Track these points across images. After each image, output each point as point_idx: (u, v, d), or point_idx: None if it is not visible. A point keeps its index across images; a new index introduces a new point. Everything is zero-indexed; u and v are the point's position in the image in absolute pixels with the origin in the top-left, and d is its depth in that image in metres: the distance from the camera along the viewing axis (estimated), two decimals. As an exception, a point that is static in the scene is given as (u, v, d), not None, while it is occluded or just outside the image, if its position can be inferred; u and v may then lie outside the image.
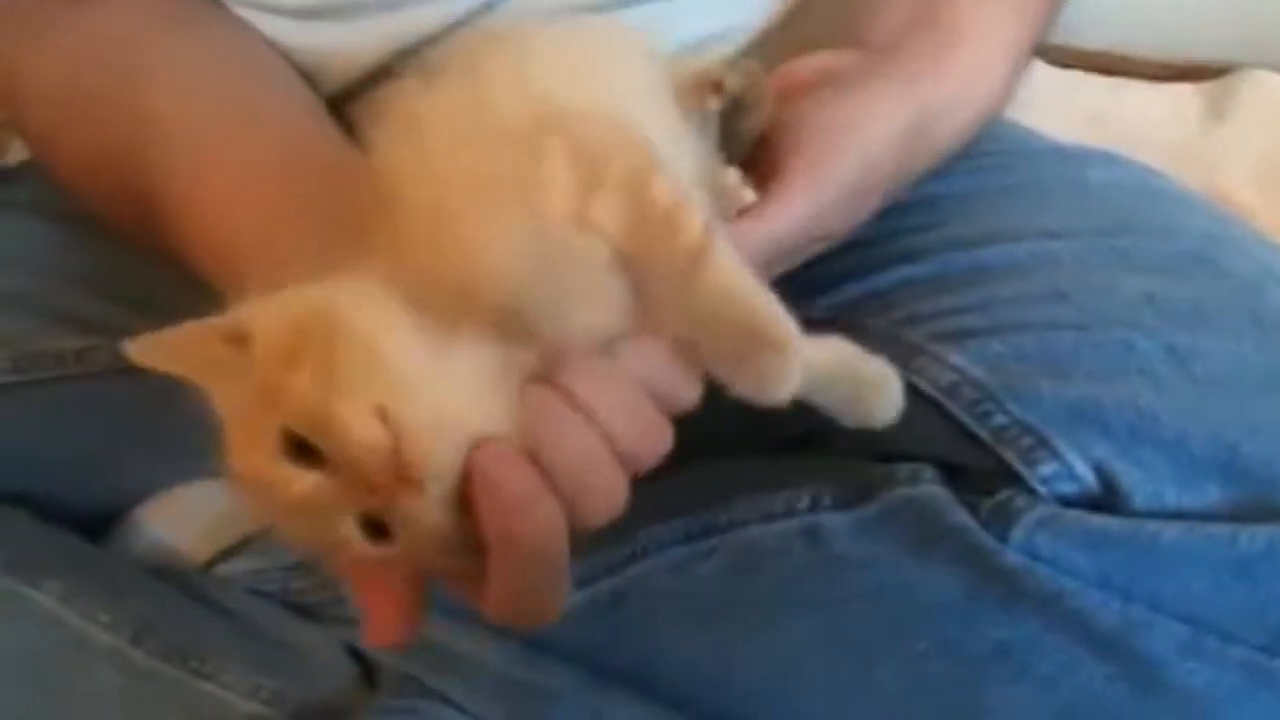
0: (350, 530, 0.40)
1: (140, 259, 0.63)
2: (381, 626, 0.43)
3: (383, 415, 0.39)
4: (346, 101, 0.67)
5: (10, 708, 0.61)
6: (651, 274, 0.42)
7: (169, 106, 0.57)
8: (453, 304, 0.41)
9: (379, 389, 0.39)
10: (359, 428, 0.38)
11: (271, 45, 0.65)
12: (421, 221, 0.43)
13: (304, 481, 0.40)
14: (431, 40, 0.64)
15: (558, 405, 0.42)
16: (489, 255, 0.42)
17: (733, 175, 0.50)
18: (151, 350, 0.44)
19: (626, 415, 0.43)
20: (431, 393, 0.40)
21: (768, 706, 0.56)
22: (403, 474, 0.39)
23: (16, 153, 0.75)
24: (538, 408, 0.42)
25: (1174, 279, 0.52)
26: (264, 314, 0.42)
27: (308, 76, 0.67)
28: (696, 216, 0.42)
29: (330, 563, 0.45)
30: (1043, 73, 0.84)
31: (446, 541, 0.41)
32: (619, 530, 0.57)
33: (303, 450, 0.40)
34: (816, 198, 0.50)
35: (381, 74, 0.66)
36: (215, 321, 0.43)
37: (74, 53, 0.60)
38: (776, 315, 0.42)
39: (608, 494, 0.43)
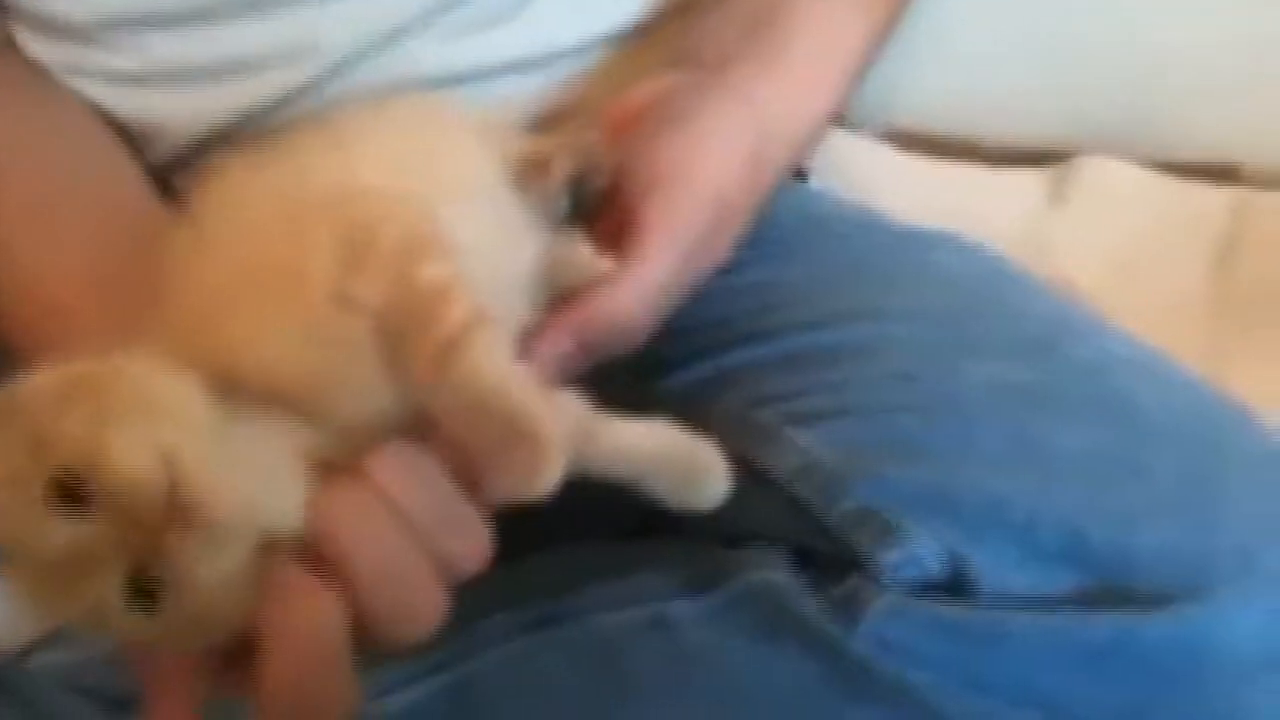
0: (112, 593, 0.38)
1: None
2: None
3: (160, 454, 0.38)
4: (179, 168, 0.65)
5: None
6: (412, 356, 0.42)
7: None
8: (230, 388, 0.40)
9: (158, 428, 0.38)
10: (132, 458, 0.37)
11: (102, 111, 0.64)
12: (197, 307, 0.42)
13: (67, 531, 0.38)
14: (266, 110, 0.63)
15: (356, 498, 0.41)
16: (255, 343, 0.41)
17: (585, 250, 0.50)
18: None
19: (435, 509, 0.42)
20: (215, 449, 0.39)
21: None
22: (176, 513, 0.37)
23: None
24: (335, 500, 0.41)
25: (1019, 364, 0.53)
26: (34, 378, 0.40)
27: (139, 142, 0.65)
28: (463, 301, 0.41)
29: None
30: (886, 155, 0.85)
31: (213, 618, 0.40)
32: (456, 620, 0.55)
33: (70, 501, 0.38)
34: (677, 245, 0.51)
35: (216, 140, 0.64)
36: None
37: None
38: (535, 410, 0.42)
39: (418, 603, 0.42)
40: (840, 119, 0.85)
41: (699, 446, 0.48)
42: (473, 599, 0.56)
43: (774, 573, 0.50)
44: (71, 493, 0.38)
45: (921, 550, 0.47)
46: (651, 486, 0.49)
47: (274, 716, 0.40)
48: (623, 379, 0.59)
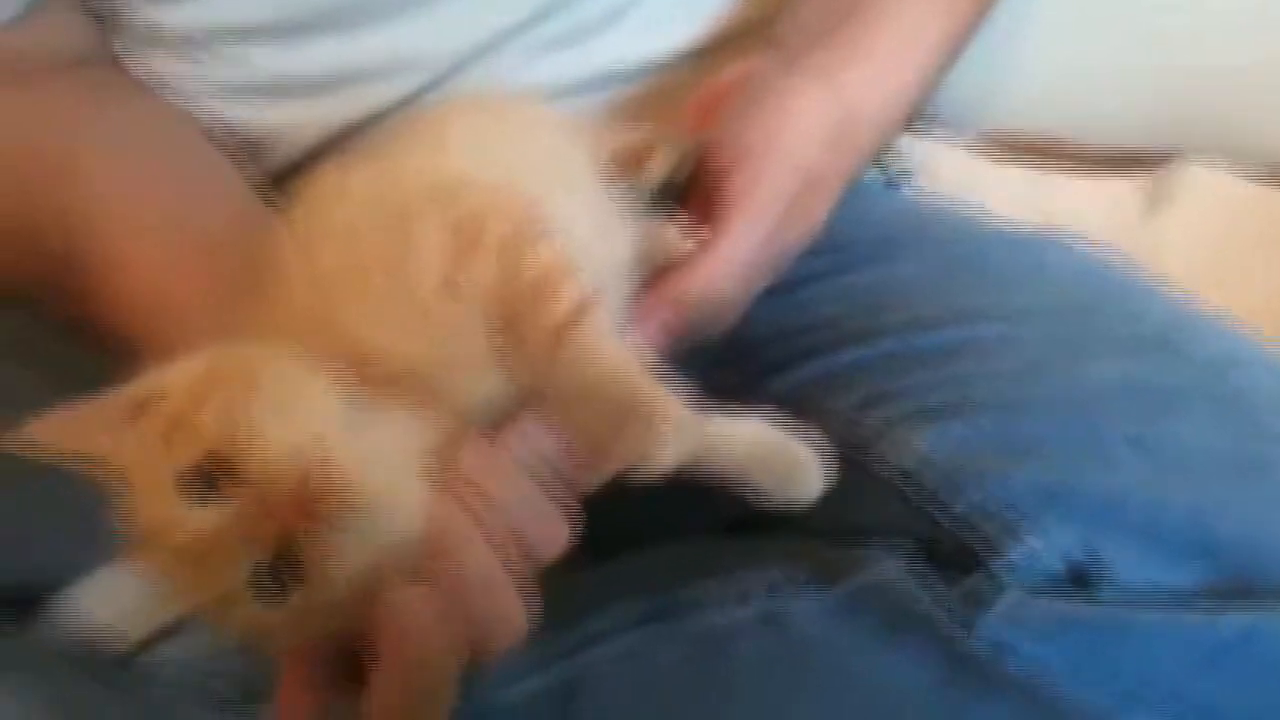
0: (241, 582, 0.39)
1: (59, 328, 0.62)
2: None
3: (299, 444, 0.39)
4: (290, 177, 0.66)
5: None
6: (524, 341, 0.42)
7: (100, 174, 0.57)
8: (346, 380, 0.41)
9: (294, 424, 0.39)
10: (272, 447, 0.38)
11: (214, 121, 0.65)
12: (309, 301, 0.43)
13: (203, 518, 0.39)
14: (376, 118, 0.64)
15: (456, 521, 0.41)
16: (371, 331, 0.42)
17: (672, 231, 0.51)
18: (54, 430, 0.43)
19: (522, 510, 0.43)
20: (350, 440, 0.40)
21: None
22: (311, 504, 0.38)
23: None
24: (438, 521, 0.41)
25: (1137, 362, 0.52)
26: (171, 371, 0.42)
27: (252, 152, 0.66)
28: (572, 286, 0.42)
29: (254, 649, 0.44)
30: (980, 161, 0.85)
31: (334, 613, 0.40)
32: (571, 614, 0.56)
33: (206, 488, 0.39)
34: (763, 219, 0.51)
35: (326, 149, 0.66)
36: (116, 393, 0.42)
37: (7, 125, 0.60)
38: (648, 389, 0.42)
39: (506, 616, 0.43)
40: (935, 124, 0.86)
41: (795, 442, 0.49)
42: (586, 593, 0.57)
43: (892, 570, 0.50)
44: (209, 480, 0.39)
45: (1043, 548, 0.47)
46: (748, 482, 0.49)
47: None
48: (730, 382, 0.60)
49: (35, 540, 0.65)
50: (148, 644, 0.68)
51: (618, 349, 0.43)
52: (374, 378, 0.42)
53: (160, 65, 0.66)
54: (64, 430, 0.43)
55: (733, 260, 0.50)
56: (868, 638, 0.50)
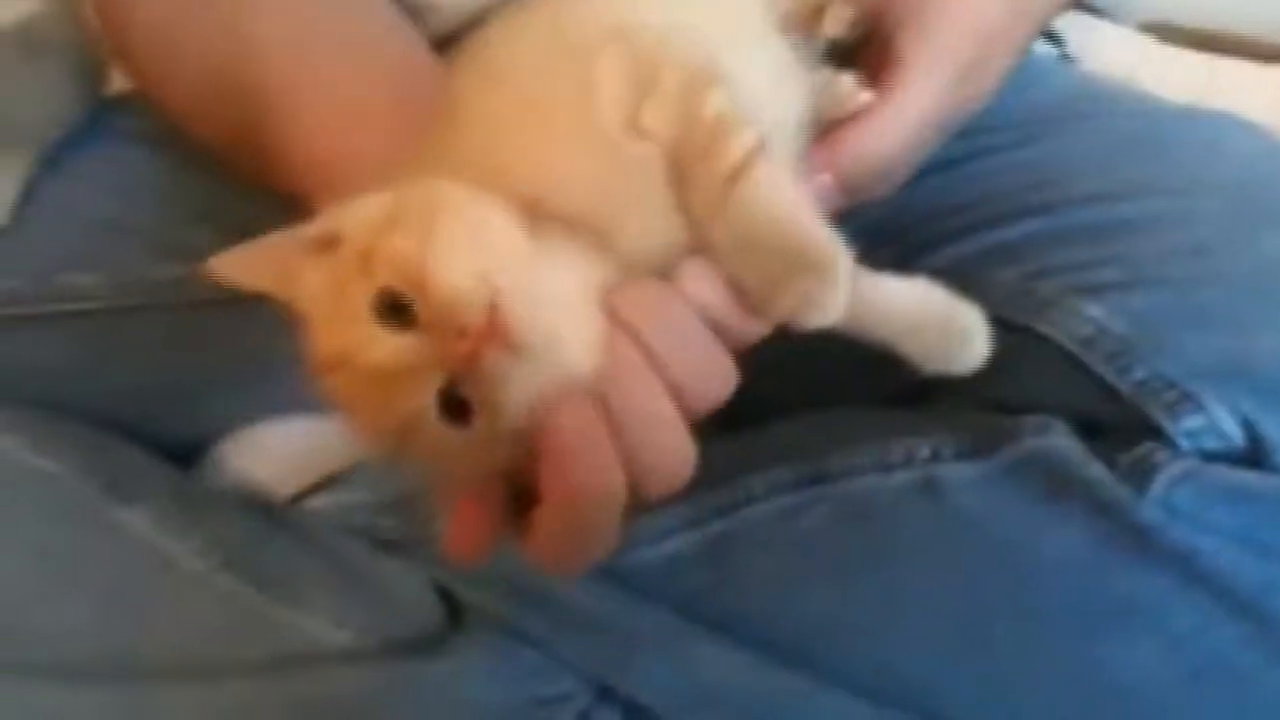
0: (428, 403, 0.39)
1: (245, 189, 0.63)
2: (462, 535, 0.43)
3: (483, 275, 0.39)
4: (451, 44, 0.67)
5: (101, 626, 0.61)
6: (696, 186, 0.42)
7: (273, 29, 0.57)
8: (522, 218, 0.41)
9: (480, 253, 0.39)
10: (457, 277, 0.38)
11: None
12: (485, 139, 0.43)
13: (392, 342, 0.39)
14: None
15: (626, 355, 0.41)
16: (548, 169, 0.42)
17: (846, 81, 0.49)
18: (235, 266, 0.43)
19: (689, 353, 0.42)
20: (533, 270, 0.40)
21: (867, 659, 0.55)
22: (495, 332, 0.38)
23: (118, 83, 0.75)
24: (610, 354, 0.41)
25: None
26: (357, 206, 0.42)
27: (416, 15, 0.67)
28: (745, 133, 0.42)
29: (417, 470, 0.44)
30: (1145, 44, 0.83)
31: (513, 443, 0.40)
32: (727, 474, 0.57)
33: (396, 315, 0.39)
34: (937, 76, 0.49)
35: (488, 16, 0.66)
36: (302, 229, 0.43)
37: None
38: (820, 237, 0.41)
39: (672, 453, 0.42)
40: (1097, 9, 0.83)
41: (960, 306, 0.47)
42: (742, 456, 0.58)
43: (1057, 438, 0.50)
44: (398, 307, 0.39)
45: (1220, 418, 0.47)
46: (908, 346, 0.47)
47: (540, 559, 0.42)
48: (885, 259, 0.60)
49: (215, 394, 0.68)
50: (302, 497, 0.71)
51: (789, 197, 0.42)
52: (546, 219, 0.42)
53: None
54: (248, 264, 0.43)
55: (903, 117, 0.48)
56: (1026, 505, 0.50)
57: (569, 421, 0.40)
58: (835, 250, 0.41)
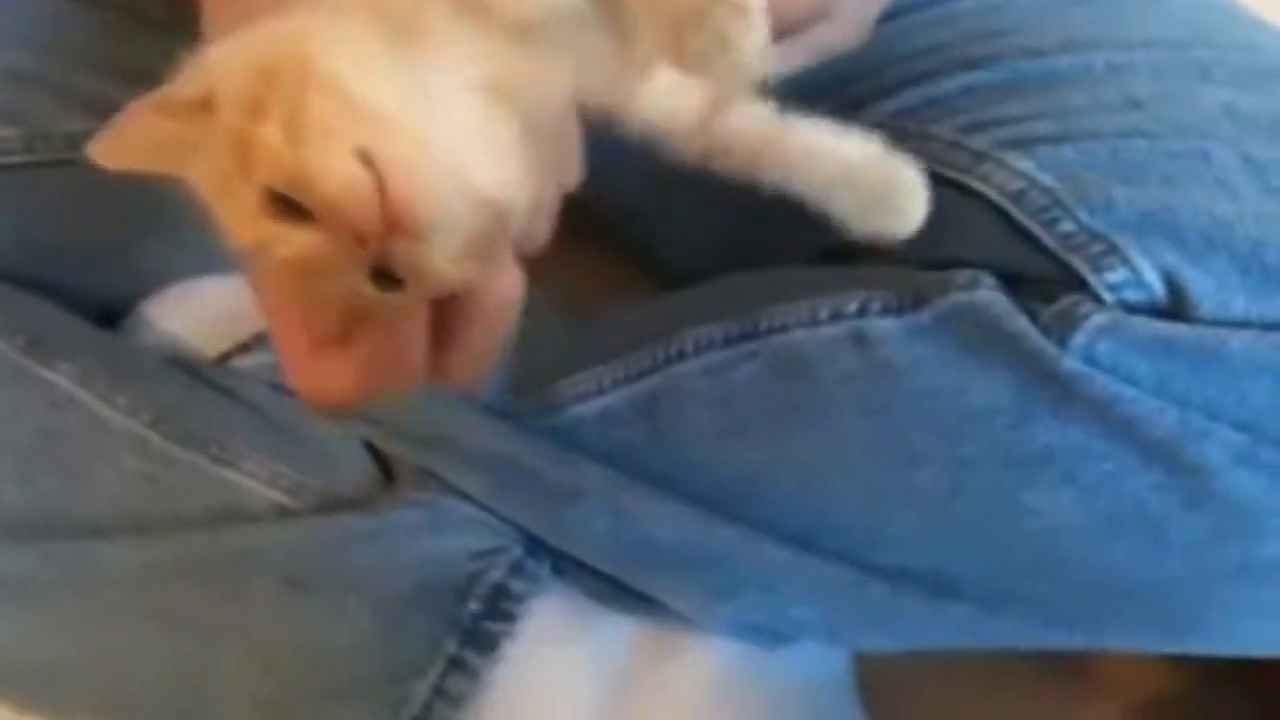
0: (362, 284, 0.37)
1: (141, 31, 0.61)
2: (328, 381, 0.42)
3: (363, 157, 0.36)
4: None
5: (28, 484, 0.61)
6: None
7: None
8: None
9: (356, 129, 0.36)
10: (335, 172, 0.35)
11: None
12: None
13: (296, 241, 0.37)
14: None
15: None
16: None
17: None
18: (114, 150, 0.41)
19: None
20: (418, 129, 0.37)
21: (799, 509, 0.56)
22: (393, 217, 0.36)
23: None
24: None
25: (1252, 92, 0.51)
26: (225, 68, 0.38)
27: None
28: None
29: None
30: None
31: (461, 279, 0.39)
32: (658, 332, 0.57)
33: (288, 211, 0.37)
34: None
35: None
36: (171, 92, 0.39)
37: None
38: None
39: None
40: None
41: (899, 164, 0.46)
42: (672, 313, 0.58)
43: (984, 291, 0.50)
44: (289, 203, 0.37)
45: (1143, 270, 0.48)
46: (839, 205, 0.46)
47: (466, 374, 0.42)
48: (828, 109, 0.59)
49: (134, 251, 0.67)
50: (230, 355, 0.70)
51: None
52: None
53: None
54: (126, 146, 0.41)
55: None
56: (953, 357, 0.51)
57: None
58: None
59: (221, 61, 0.39)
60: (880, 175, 0.46)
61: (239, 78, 0.38)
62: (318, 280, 0.38)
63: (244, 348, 0.69)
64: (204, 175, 0.39)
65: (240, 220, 0.38)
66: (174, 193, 0.61)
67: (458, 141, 0.38)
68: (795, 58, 0.46)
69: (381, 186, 0.35)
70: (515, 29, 0.39)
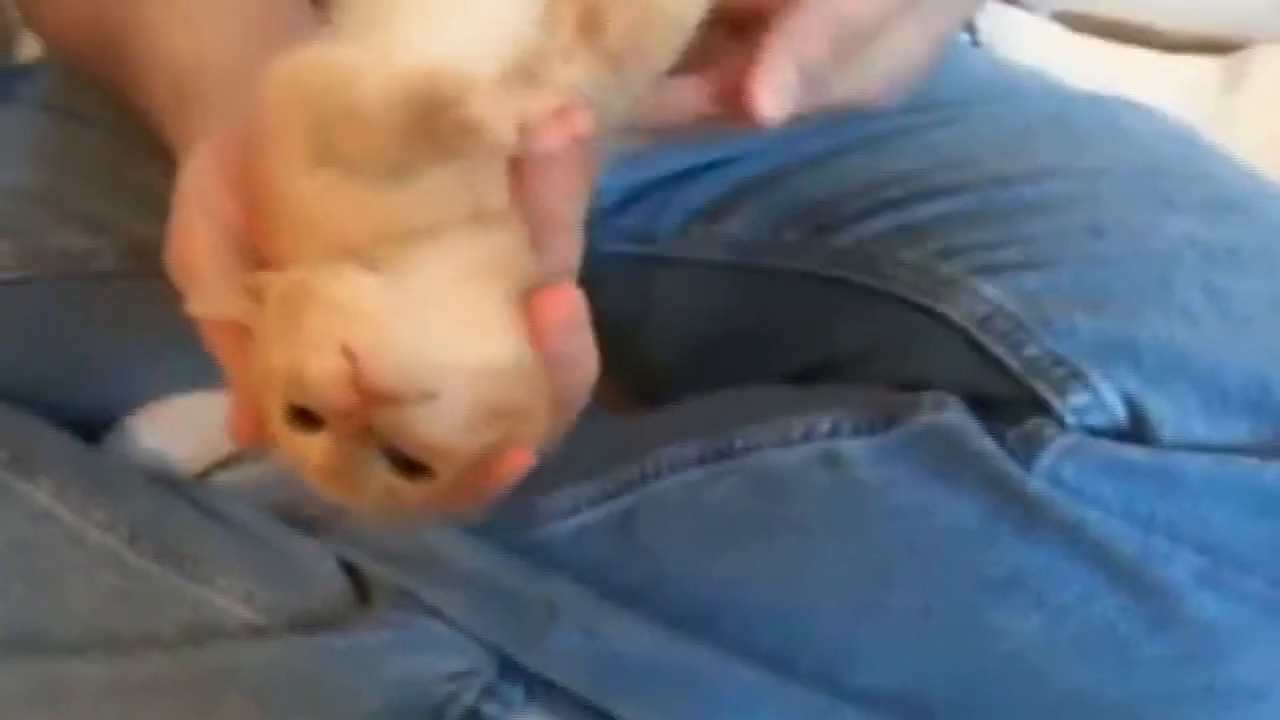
0: (386, 477, 0.40)
1: (140, 154, 0.63)
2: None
3: (345, 351, 0.38)
4: None
5: (7, 600, 0.60)
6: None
7: None
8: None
9: (341, 331, 0.39)
10: (321, 368, 0.38)
11: None
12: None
13: (317, 446, 0.39)
14: None
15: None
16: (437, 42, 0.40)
17: None
18: (209, 301, 0.43)
19: None
20: (393, 316, 0.39)
21: (773, 627, 0.56)
22: (365, 389, 0.38)
23: (28, 49, 0.74)
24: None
25: (1211, 221, 0.53)
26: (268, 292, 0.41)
27: None
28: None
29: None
30: (1057, 33, 0.84)
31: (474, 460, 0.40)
32: (634, 450, 0.58)
33: (307, 420, 0.39)
34: None
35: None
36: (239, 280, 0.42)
37: None
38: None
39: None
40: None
41: None
42: (648, 432, 0.59)
43: (952, 413, 0.51)
44: (305, 413, 0.39)
45: (1105, 395, 0.48)
46: None
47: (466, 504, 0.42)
48: (791, 239, 0.61)
49: (122, 366, 0.68)
50: (211, 471, 0.70)
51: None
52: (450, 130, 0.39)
53: None
54: (215, 301, 0.43)
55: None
56: (922, 478, 0.51)
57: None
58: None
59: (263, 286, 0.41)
60: None
61: (270, 307, 0.41)
62: (350, 481, 0.40)
63: (225, 464, 0.70)
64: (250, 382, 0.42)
65: (280, 433, 0.41)
66: (160, 312, 0.62)
67: (440, 320, 0.40)
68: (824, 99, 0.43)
69: (356, 367, 0.38)
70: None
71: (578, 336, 0.40)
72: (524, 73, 0.41)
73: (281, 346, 0.40)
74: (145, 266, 0.67)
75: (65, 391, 0.66)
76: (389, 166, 0.40)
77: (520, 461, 0.39)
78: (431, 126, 0.39)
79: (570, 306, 0.39)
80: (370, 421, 0.38)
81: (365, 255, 0.40)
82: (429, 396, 0.39)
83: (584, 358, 0.40)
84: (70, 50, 0.62)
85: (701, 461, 0.56)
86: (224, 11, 0.54)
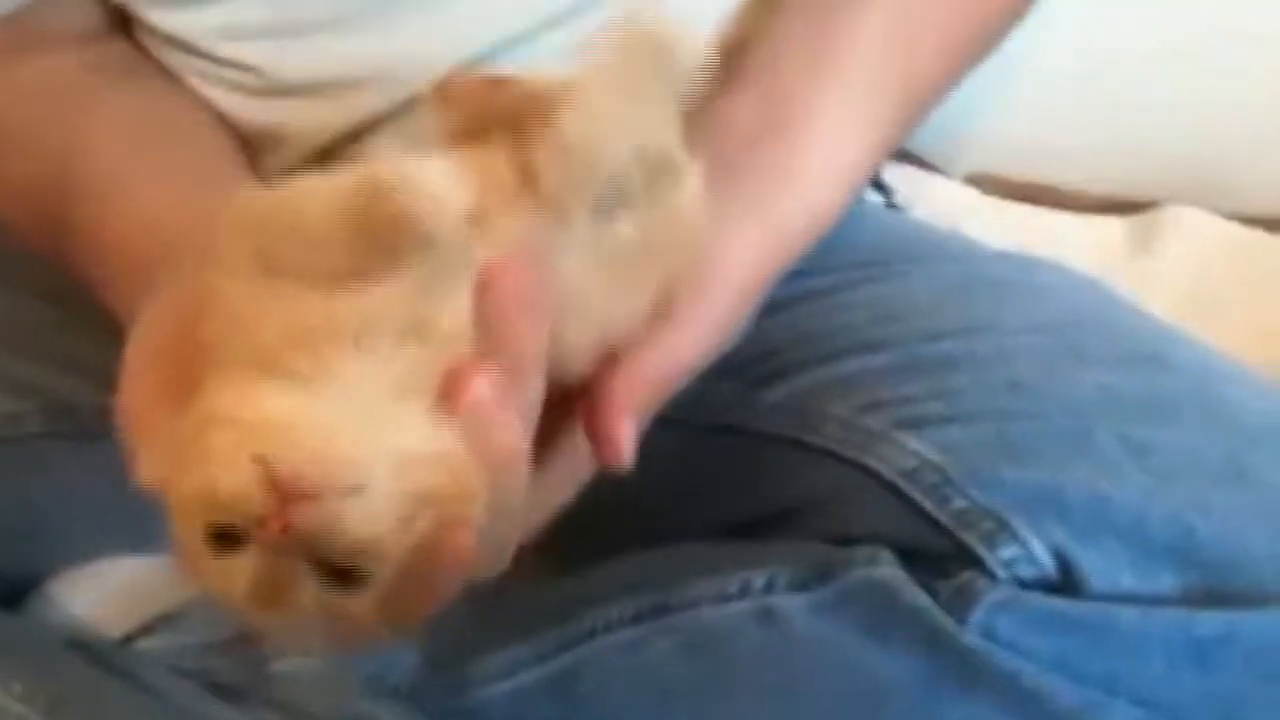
0: (319, 593, 0.38)
1: (66, 317, 0.63)
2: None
3: (258, 460, 0.37)
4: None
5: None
6: None
7: (101, 144, 0.58)
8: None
9: (247, 442, 0.38)
10: (228, 477, 0.37)
11: (226, 119, 0.65)
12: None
13: (240, 566, 0.38)
14: (374, 124, 0.64)
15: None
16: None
17: None
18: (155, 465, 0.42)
19: None
20: (302, 413, 0.38)
21: None
22: (281, 489, 0.37)
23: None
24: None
25: (1127, 373, 0.54)
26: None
27: (264, 148, 0.67)
28: None
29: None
30: (970, 196, 0.88)
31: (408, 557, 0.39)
32: (568, 609, 0.57)
33: (229, 542, 0.38)
34: (697, 337, 0.49)
35: (339, 147, 0.67)
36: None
37: (20, 89, 0.61)
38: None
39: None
40: (923, 162, 0.88)
41: None
42: (584, 592, 0.59)
43: (884, 568, 0.51)
44: (225, 534, 0.38)
45: (1034, 547, 0.49)
46: None
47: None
48: (725, 395, 0.62)
49: (45, 530, 0.66)
50: (134, 636, 0.69)
51: None
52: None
53: (165, 57, 0.66)
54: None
55: (662, 365, 0.48)
56: (857, 632, 0.51)
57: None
58: None
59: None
60: None
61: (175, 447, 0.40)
62: (282, 601, 0.38)
63: (148, 629, 0.68)
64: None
65: (203, 569, 0.39)
66: (85, 475, 0.62)
67: (356, 416, 0.39)
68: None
69: (268, 469, 0.37)
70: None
71: (500, 416, 0.39)
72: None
73: (192, 474, 0.38)
74: (72, 429, 0.67)
75: None
76: (332, 273, 0.40)
77: (460, 543, 0.38)
78: (369, 220, 0.39)
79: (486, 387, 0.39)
80: (295, 529, 0.37)
81: (285, 364, 0.39)
82: (350, 490, 0.37)
83: (507, 436, 0.40)
84: (8, 220, 0.62)
85: (638, 620, 0.56)
86: (164, 182, 0.55)
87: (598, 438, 0.45)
